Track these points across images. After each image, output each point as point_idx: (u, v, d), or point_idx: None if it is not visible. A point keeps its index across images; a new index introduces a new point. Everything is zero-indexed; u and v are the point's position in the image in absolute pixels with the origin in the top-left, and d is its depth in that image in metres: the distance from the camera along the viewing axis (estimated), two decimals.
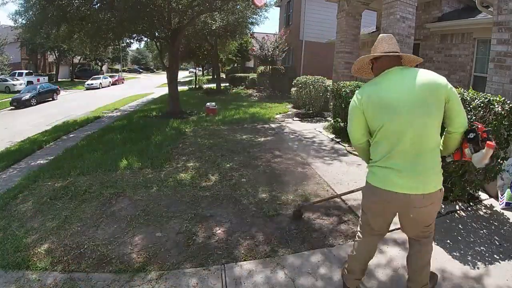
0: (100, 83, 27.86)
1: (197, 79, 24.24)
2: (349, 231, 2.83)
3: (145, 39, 12.28)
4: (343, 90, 6.11)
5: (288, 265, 2.39)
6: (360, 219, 1.90)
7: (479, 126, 1.59)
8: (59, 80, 31.57)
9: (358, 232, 1.91)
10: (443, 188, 1.64)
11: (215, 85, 18.59)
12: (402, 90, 1.57)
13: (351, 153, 5.09)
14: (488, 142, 1.54)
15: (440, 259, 2.39)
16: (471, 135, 1.59)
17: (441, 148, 1.69)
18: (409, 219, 1.67)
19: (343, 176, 4.14)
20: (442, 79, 1.58)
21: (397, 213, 1.73)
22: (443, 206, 3.09)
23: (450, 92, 1.56)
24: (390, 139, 1.58)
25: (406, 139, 1.54)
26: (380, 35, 1.89)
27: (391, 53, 1.69)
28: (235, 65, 28.46)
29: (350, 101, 1.79)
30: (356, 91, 1.76)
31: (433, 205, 1.62)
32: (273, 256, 2.51)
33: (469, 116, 2.77)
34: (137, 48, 61.80)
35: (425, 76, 1.57)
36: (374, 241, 1.87)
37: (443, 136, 1.70)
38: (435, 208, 1.66)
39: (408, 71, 1.63)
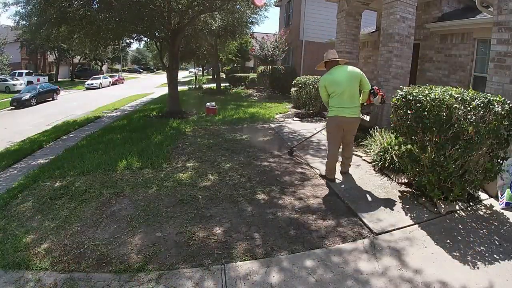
0: (100, 83, 27.84)
1: (197, 79, 24.24)
2: (347, 232, 2.83)
3: (145, 39, 12.25)
4: None
5: (288, 265, 2.39)
6: (328, 138, 3.92)
7: (375, 88, 3.75)
8: (59, 80, 31.56)
9: (329, 147, 3.90)
10: (360, 115, 3.80)
11: (215, 85, 18.57)
12: (343, 75, 3.63)
13: None
14: (379, 92, 3.70)
15: (440, 259, 2.39)
16: (372, 91, 3.72)
17: (361, 99, 3.80)
18: (348, 130, 3.77)
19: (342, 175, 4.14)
20: (358, 70, 3.70)
21: (343, 130, 3.74)
22: (443, 206, 3.09)
23: (362, 76, 3.67)
24: (339, 96, 3.62)
25: (345, 96, 3.60)
26: (330, 50, 3.88)
27: (338, 59, 3.79)
28: (235, 65, 28.44)
29: None
30: (322, 78, 3.83)
31: (357, 122, 3.79)
32: (273, 256, 2.51)
33: (469, 116, 2.77)
34: (137, 48, 61.76)
35: (351, 69, 3.69)
36: (337, 148, 3.88)
37: (361, 93, 3.79)
38: (357, 124, 3.82)
39: (344, 67, 3.71)
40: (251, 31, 16.03)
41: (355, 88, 3.63)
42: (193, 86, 21.87)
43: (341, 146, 3.96)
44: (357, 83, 3.63)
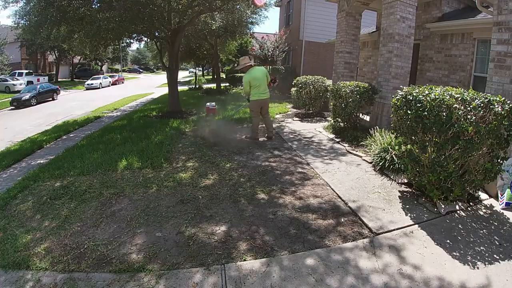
0: (100, 83, 27.87)
1: (197, 79, 24.24)
2: (347, 231, 2.83)
3: (145, 39, 12.24)
4: (343, 90, 6.11)
5: (287, 265, 2.39)
6: (252, 114, 6.08)
7: (274, 78, 6.42)
8: (59, 80, 31.58)
9: (253, 118, 6.10)
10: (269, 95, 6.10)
11: (215, 85, 18.58)
12: (259, 73, 5.82)
13: (350, 152, 5.08)
14: (274, 81, 6.41)
15: (440, 259, 2.39)
16: (272, 80, 6.21)
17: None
18: (265, 105, 6.02)
19: (342, 175, 4.14)
20: (264, 69, 6.18)
21: (262, 107, 5.99)
22: (443, 206, 3.09)
23: (267, 72, 6.00)
24: (258, 87, 5.79)
25: (262, 87, 5.83)
26: (245, 57, 6.25)
27: (254, 64, 6.31)
28: (235, 65, 28.44)
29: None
30: (245, 75, 5.88)
31: (269, 100, 6.08)
32: (273, 256, 2.51)
33: (469, 116, 2.77)
34: (137, 48, 61.90)
35: (262, 68, 6.15)
36: (258, 118, 6.06)
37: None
38: (269, 101, 6.13)
39: (257, 68, 6.04)
40: (251, 31, 16.06)
41: (266, 80, 5.84)
42: (193, 86, 21.88)
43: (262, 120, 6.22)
44: (265, 77, 5.83)
